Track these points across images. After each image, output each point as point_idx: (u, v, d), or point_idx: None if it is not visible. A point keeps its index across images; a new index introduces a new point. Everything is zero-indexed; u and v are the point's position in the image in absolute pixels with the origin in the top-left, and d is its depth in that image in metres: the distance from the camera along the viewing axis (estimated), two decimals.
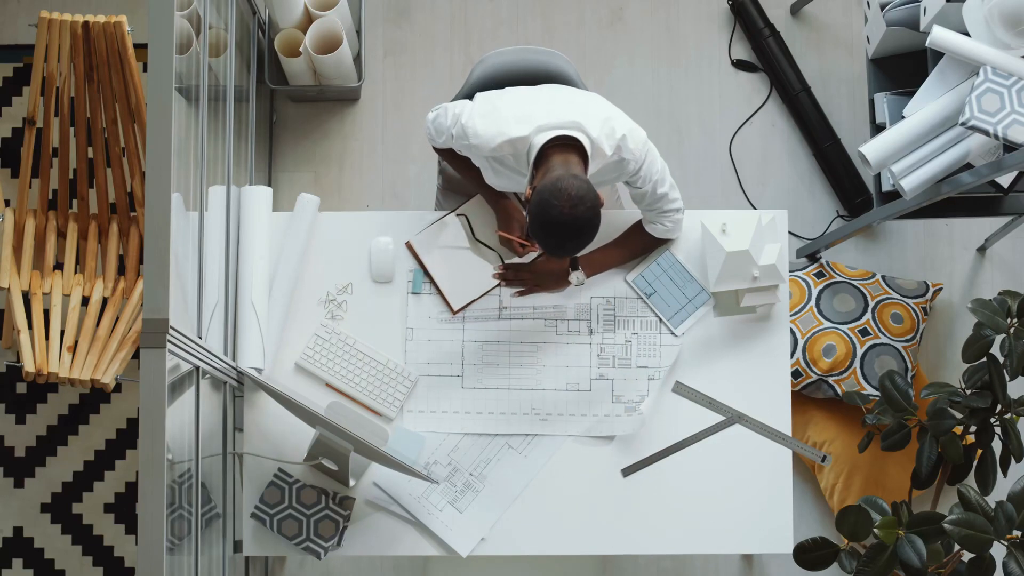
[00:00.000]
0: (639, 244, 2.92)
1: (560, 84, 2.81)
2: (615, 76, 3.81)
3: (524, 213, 2.90)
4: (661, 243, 2.93)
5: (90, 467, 3.65)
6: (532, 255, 2.92)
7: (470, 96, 2.77)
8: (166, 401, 2.19)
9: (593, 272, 2.89)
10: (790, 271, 3.59)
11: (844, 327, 3.47)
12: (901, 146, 2.93)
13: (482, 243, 2.96)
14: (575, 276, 2.84)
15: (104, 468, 3.65)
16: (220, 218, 2.87)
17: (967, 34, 2.86)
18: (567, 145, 2.52)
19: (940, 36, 2.84)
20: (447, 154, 2.85)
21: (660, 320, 2.94)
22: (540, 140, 2.52)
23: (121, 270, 3.40)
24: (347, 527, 2.87)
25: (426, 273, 2.96)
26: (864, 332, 3.46)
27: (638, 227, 2.90)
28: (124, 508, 3.65)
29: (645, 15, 3.84)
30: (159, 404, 2.18)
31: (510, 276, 2.84)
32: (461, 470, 2.90)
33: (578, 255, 2.86)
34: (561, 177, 2.41)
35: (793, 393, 3.55)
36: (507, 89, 2.70)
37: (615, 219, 2.97)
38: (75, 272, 3.31)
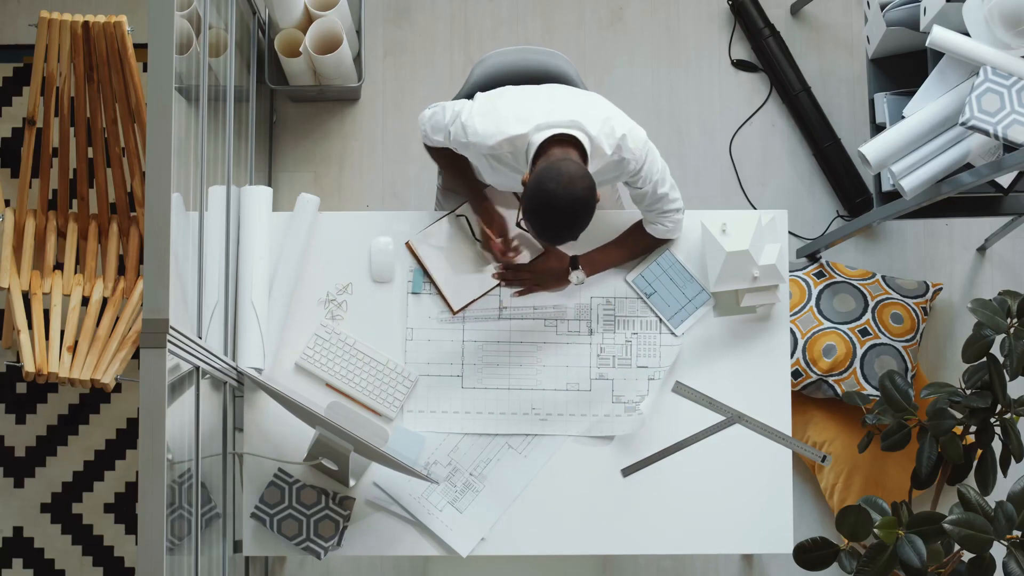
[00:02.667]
0: (639, 244, 2.92)
1: (560, 84, 2.81)
2: (615, 76, 3.81)
3: (506, 219, 2.89)
4: (661, 243, 2.93)
5: (90, 467, 3.65)
6: (524, 255, 2.92)
7: (470, 96, 2.77)
8: (166, 401, 2.19)
9: (593, 271, 2.89)
10: (790, 271, 3.59)
11: (844, 327, 3.47)
12: (901, 146, 2.93)
13: (481, 244, 2.96)
14: (575, 275, 2.84)
15: (104, 468, 3.65)
16: (220, 218, 2.87)
17: (967, 34, 2.86)
18: (566, 141, 2.52)
19: (940, 36, 2.84)
20: (438, 153, 2.85)
21: (660, 320, 2.94)
22: (539, 138, 2.53)
23: (121, 270, 3.40)
24: (347, 527, 2.87)
25: (426, 273, 2.96)
26: (864, 332, 3.46)
27: (638, 227, 2.90)
28: (124, 508, 3.65)
29: (645, 15, 3.84)
30: (159, 404, 2.18)
31: (510, 276, 2.84)
32: (461, 470, 2.90)
33: (578, 255, 2.86)
34: (559, 159, 2.42)
35: (793, 393, 3.55)
36: (507, 88, 2.70)
37: (615, 219, 2.97)
38: (75, 272, 3.31)
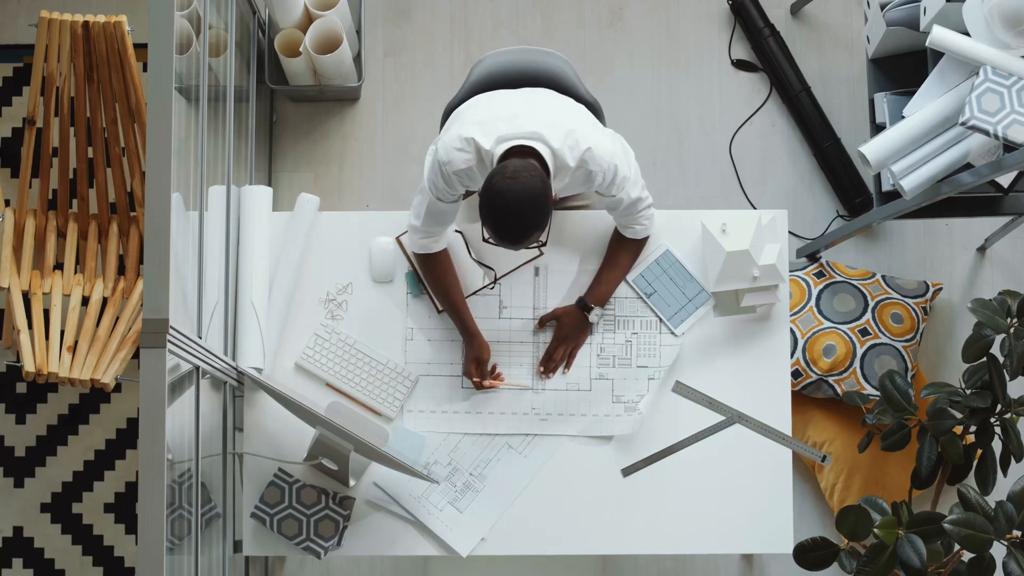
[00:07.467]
0: (629, 255, 2.90)
1: (555, 85, 2.81)
2: (615, 76, 3.81)
3: (488, 348, 2.91)
4: (643, 244, 2.91)
5: (90, 467, 3.65)
6: (503, 378, 2.93)
7: (468, 96, 2.77)
8: (166, 401, 2.19)
9: (604, 302, 2.89)
10: (790, 271, 3.59)
11: (844, 327, 3.47)
12: (901, 146, 2.93)
13: (477, 261, 2.95)
14: (593, 315, 2.86)
15: (104, 468, 3.65)
16: (220, 218, 2.87)
17: (967, 34, 2.86)
18: (527, 152, 2.53)
19: (940, 36, 2.84)
20: (426, 265, 2.85)
21: (660, 320, 2.94)
22: (500, 150, 2.54)
23: (121, 270, 3.40)
24: (347, 527, 2.87)
25: (416, 272, 2.95)
26: (864, 332, 3.46)
27: (618, 239, 2.89)
28: (124, 508, 3.65)
29: (645, 15, 3.84)
30: (159, 404, 2.18)
31: (554, 366, 2.89)
32: (461, 470, 2.91)
33: (582, 296, 2.88)
34: (509, 161, 2.45)
35: (793, 393, 3.55)
36: (478, 97, 2.70)
37: (585, 219, 2.96)
38: (75, 272, 3.31)
